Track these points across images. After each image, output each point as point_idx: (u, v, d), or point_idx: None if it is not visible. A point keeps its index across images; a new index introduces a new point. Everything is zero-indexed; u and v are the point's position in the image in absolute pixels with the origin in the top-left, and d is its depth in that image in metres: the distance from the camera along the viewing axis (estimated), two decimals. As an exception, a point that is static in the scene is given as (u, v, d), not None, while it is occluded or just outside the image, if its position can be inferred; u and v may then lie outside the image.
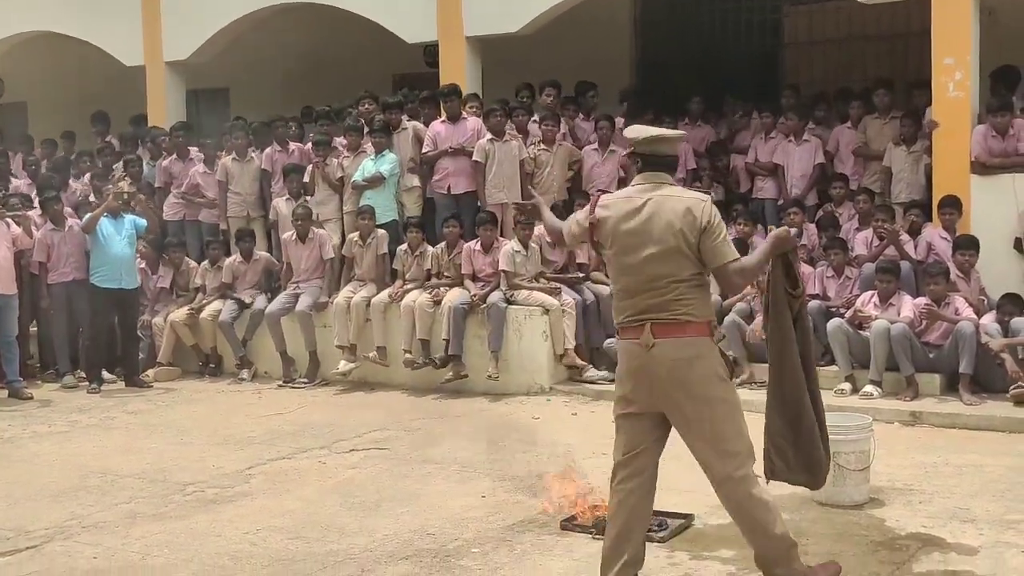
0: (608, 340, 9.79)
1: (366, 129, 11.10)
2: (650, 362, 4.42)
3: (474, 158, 10.55)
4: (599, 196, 4.73)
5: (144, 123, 14.04)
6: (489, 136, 10.56)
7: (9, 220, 10.39)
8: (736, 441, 4.45)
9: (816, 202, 10.89)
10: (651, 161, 4.59)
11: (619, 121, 11.47)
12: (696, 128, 11.99)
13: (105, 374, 10.87)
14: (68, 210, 11.44)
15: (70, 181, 12.74)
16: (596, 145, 11.06)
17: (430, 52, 12.75)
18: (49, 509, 6.39)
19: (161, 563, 5.35)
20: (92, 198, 11.92)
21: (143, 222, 11.18)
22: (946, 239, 9.35)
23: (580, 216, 4.74)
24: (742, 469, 4.43)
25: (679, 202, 4.48)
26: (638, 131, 4.67)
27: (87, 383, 10.73)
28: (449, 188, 10.76)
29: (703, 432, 4.45)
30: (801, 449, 4.72)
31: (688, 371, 4.41)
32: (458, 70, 12.00)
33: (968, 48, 9.50)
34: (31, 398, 10.23)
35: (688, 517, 5.70)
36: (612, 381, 9.37)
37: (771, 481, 4.80)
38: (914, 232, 9.61)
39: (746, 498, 4.44)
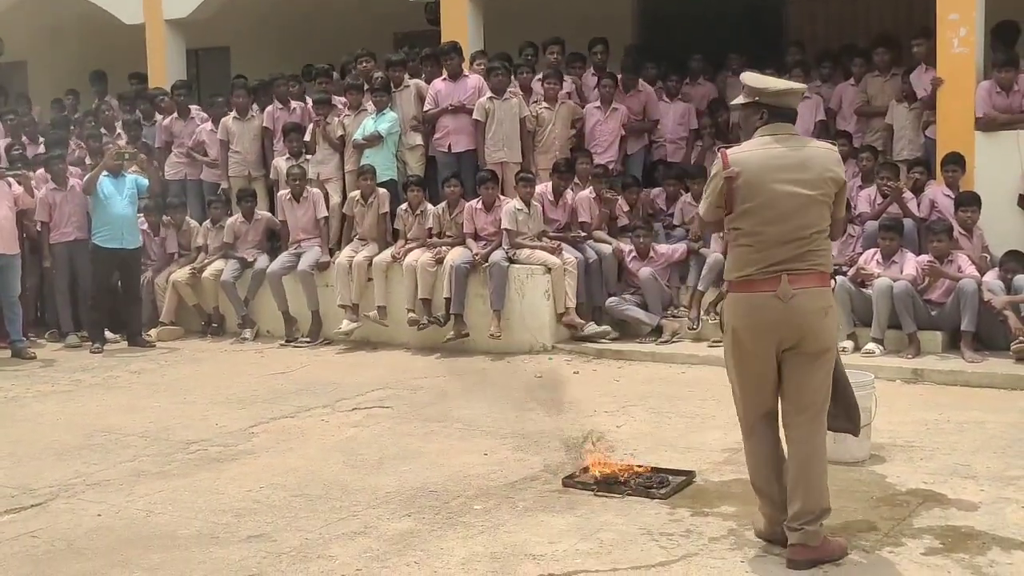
0: (610, 299, 9.80)
1: (366, 87, 11.05)
2: (788, 314, 4.44)
3: (474, 116, 10.50)
4: (724, 151, 4.63)
5: (138, 81, 13.97)
6: (489, 94, 10.50)
7: (10, 180, 10.35)
8: (822, 395, 4.59)
9: None
10: (779, 113, 4.60)
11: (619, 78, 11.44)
12: (697, 86, 11.91)
13: (108, 334, 10.89)
14: (73, 169, 11.40)
15: (70, 140, 12.69)
16: (598, 103, 11.00)
17: (431, 9, 12.65)
18: (53, 467, 6.42)
19: (165, 520, 5.38)
20: (88, 160, 11.87)
21: (144, 181, 11.15)
22: (949, 196, 9.31)
23: (714, 183, 4.61)
24: (819, 419, 4.59)
25: (826, 153, 4.60)
26: (765, 82, 4.66)
27: (90, 343, 10.75)
28: (450, 146, 10.71)
29: (814, 380, 4.53)
30: (838, 397, 4.75)
31: (822, 321, 4.50)
32: (460, 27, 11.91)
33: (972, 4, 9.40)
34: (34, 358, 10.26)
35: (689, 474, 5.72)
36: (614, 339, 9.55)
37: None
38: (918, 190, 9.57)
39: (821, 446, 4.57)
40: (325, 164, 11.15)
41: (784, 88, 4.64)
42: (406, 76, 11.11)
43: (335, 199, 11.02)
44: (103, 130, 12.67)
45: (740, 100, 4.71)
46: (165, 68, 14.11)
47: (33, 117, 13.88)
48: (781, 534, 4.58)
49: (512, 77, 10.78)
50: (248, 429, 7.20)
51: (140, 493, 5.85)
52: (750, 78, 4.70)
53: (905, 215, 9.31)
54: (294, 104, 11.78)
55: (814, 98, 10.94)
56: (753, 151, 4.57)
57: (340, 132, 11.03)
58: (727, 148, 4.70)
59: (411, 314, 10.00)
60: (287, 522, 5.27)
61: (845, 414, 4.86)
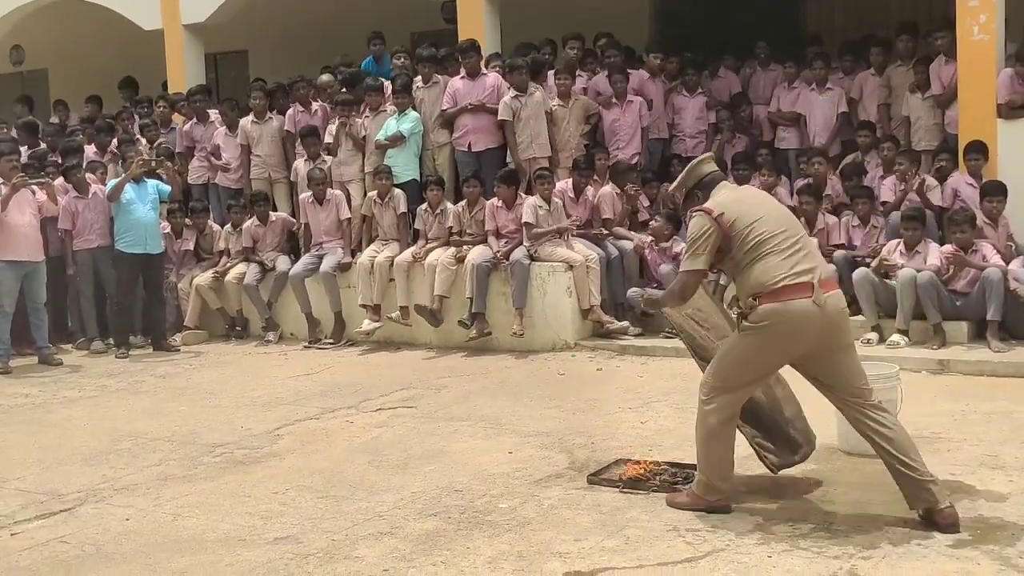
0: (632, 290, 9.76)
1: (389, 89, 11.05)
2: (824, 318, 4.81)
3: (500, 117, 10.47)
4: (701, 208, 4.99)
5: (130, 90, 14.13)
6: (513, 93, 10.48)
7: (34, 187, 10.43)
8: (864, 377, 4.99)
9: (839, 152, 10.78)
10: (705, 183, 5.15)
11: (642, 74, 11.42)
12: (718, 79, 11.88)
13: (132, 339, 10.95)
14: (91, 176, 11.47)
15: (84, 146, 12.69)
16: (614, 98, 10.98)
17: (448, 8, 12.67)
18: (81, 472, 6.46)
19: (192, 523, 5.40)
20: (120, 166, 11.89)
21: (167, 187, 11.22)
22: (972, 185, 9.26)
23: (706, 233, 4.95)
24: (873, 397, 4.95)
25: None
26: (678, 182, 5.27)
27: (115, 348, 10.82)
28: (470, 145, 10.70)
29: (855, 364, 4.96)
30: (771, 429, 5.30)
31: (847, 319, 5.06)
32: (476, 25, 11.92)
33: (993, -10, 9.35)
34: (61, 364, 10.32)
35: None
36: (637, 335, 9.52)
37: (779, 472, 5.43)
38: (943, 177, 9.51)
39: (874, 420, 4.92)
40: (348, 165, 11.16)
41: (689, 169, 5.21)
42: (435, 73, 11.08)
43: (357, 201, 11.03)
44: (130, 132, 12.75)
45: (679, 200, 5.42)
46: (184, 73, 14.17)
47: (62, 124, 14.00)
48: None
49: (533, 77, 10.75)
50: (273, 431, 7.22)
51: (167, 497, 5.88)
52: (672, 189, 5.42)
53: (926, 206, 9.25)
54: (315, 106, 11.81)
55: (835, 90, 10.90)
56: (721, 196, 5.04)
57: (363, 133, 11.04)
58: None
59: (419, 305, 9.99)
60: (313, 524, 5.28)
61: (787, 447, 5.37)
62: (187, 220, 11.77)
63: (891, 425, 4.89)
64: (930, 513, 4.78)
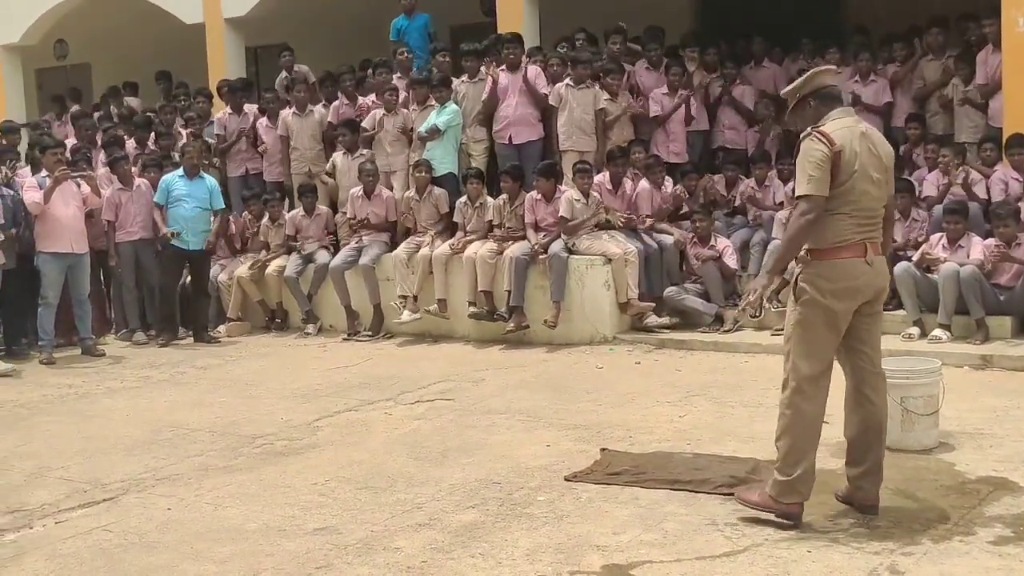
0: (669, 289, 9.73)
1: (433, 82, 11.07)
2: (873, 276, 4.84)
3: (549, 101, 10.50)
4: (822, 131, 4.77)
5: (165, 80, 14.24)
6: (567, 82, 10.48)
7: (78, 180, 10.54)
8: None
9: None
10: (824, 95, 4.93)
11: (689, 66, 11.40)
12: (760, 68, 11.79)
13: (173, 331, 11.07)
14: (134, 169, 11.58)
15: (124, 138, 12.79)
16: (665, 90, 10.95)
17: (486, 2, 12.65)
18: (124, 462, 6.53)
19: (233, 514, 5.45)
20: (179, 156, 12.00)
21: (218, 191, 11.24)
22: (1019, 180, 9.14)
23: (818, 156, 4.72)
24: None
25: (881, 135, 5.04)
26: (795, 83, 5.08)
27: (157, 339, 10.94)
28: (510, 138, 10.70)
29: (875, 334, 4.99)
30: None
31: (887, 282, 5.10)
32: (515, 18, 11.91)
33: (1038, -19, 9.23)
34: (103, 355, 10.44)
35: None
36: (675, 327, 9.49)
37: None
38: (989, 164, 9.40)
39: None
40: (395, 157, 11.18)
41: (810, 74, 5.01)
42: (481, 68, 11.06)
43: (399, 193, 11.07)
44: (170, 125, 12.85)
45: (789, 105, 5.11)
46: (224, 66, 14.28)
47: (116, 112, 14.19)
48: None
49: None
50: (313, 423, 7.27)
51: (208, 487, 5.93)
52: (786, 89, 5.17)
53: (970, 198, 9.14)
54: (361, 100, 11.84)
55: (880, 82, 10.80)
56: (840, 131, 4.79)
57: (409, 125, 11.06)
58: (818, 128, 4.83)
59: (472, 308, 10.02)
60: (352, 515, 5.31)
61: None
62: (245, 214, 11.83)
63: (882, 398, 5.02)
64: (850, 496, 4.98)
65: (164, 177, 11.10)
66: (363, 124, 11.35)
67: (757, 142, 11.21)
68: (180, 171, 11.05)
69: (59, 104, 16.06)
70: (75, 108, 15.13)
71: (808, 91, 4.96)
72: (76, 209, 10.42)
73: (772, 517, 4.82)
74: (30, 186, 10.31)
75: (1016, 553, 4.40)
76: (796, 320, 4.84)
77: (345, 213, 11.14)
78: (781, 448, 4.83)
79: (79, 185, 10.53)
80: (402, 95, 11.33)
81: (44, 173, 10.40)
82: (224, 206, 11.35)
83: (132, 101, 14.99)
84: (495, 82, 10.65)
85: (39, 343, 10.32)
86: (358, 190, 10.97)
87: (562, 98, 10.44)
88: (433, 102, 10.89)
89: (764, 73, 11.76)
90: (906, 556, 4.41)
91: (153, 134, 12.79)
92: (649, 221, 10.09)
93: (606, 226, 9.90)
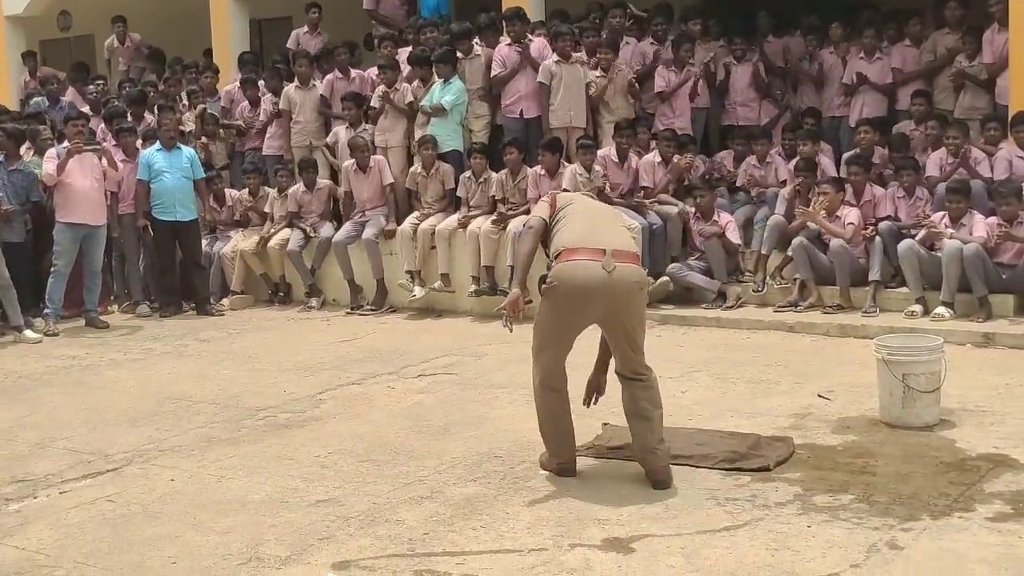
0: (671, 265, 9.72)
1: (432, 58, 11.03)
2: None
3: (539, 79, 10.47)
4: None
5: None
6: (555, 58, 10.45)
7: (99, 154, 10.55)
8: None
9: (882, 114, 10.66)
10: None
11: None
12: (767, 43, 11.73)
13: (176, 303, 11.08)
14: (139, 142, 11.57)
15: (145, 113, 12.71)
16: (673, 65, 10.92)
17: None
18: (127, 433, 6.56)
19: (236, 485, 5.47)
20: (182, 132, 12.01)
21: (197, 162, 11.22)
22: (1022, 158, 9.11)
23: None
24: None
25: None
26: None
27: (159, 310, 10.95)
28: (522, 112, 10.68)
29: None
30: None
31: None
32: (521, -10, 11.85)
33: (1047, -43, 9.17)
34: (107, 327, 10.46)
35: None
36: (678, 304, 9.48)
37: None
38: (993, 143, 9.38)
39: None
40: (391, 132, 11.16)
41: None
42: (475, 45, 11.04)
43: (397, 168, 11.04)
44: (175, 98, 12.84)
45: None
46: (229, 38, 14.23)
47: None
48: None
49: (578, 43, 10.70)
50: (316, 396, 7.29)
51: (211, 459, 5.96)
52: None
53: (973, 177, 9.12)
54: (354, 73, 11.82)
55: (886, 59, 10.76)
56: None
57: (409, 99, 11.03)
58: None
59: (474, 287, 10.02)
60: (355, 487, 5.33)
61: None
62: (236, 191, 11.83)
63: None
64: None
65: (143, 153, 11.08)
66: (371, 103, 11.31)
67: (773, 117, 11.17)
68: (157, 145, 11.03)
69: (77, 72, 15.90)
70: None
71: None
72: (95, 181, 10.42)
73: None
74: (48, 157, 10.35)
75: (1015, 529, 4.42)
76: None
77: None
78: None
79: (100, 158, 10.54)
80: (405, 69, 11.30)
81: (66, 144, 10.43)
82: (204, 176, 11.32)
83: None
84: (505, 58, 10.64)
85: (43, 312, 10.32)
86: (351, 164, 10.94)
87: (554, 75, 10.40)
88: (436, 78, 10.86)
89: (770, 47, 11.71)
90: (905, 532, 4.43)
91: (156, 108, 12.75)
92: (647, 192, 10.07)
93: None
